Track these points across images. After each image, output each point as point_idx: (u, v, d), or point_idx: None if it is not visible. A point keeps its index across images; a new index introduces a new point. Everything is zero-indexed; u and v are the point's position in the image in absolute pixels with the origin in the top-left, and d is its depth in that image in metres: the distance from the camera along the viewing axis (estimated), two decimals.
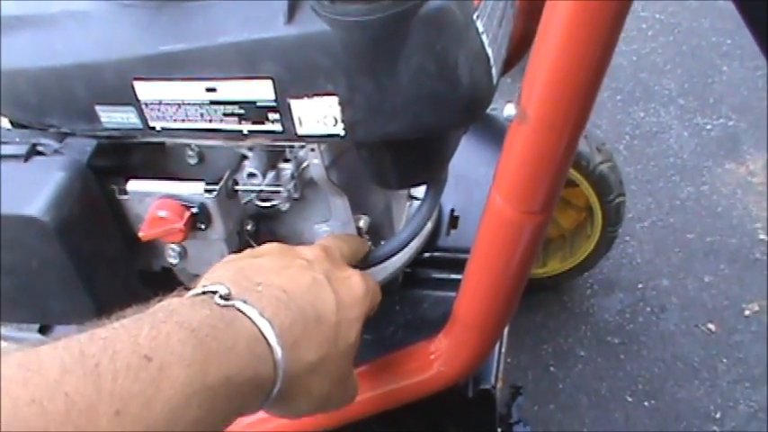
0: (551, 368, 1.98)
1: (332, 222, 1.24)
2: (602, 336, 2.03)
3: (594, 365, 1.97)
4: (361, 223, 1.26)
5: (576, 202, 1.89)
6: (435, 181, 1.19)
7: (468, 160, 1.43)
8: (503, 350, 1.44)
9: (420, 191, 1.35)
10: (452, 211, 1.48)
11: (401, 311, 1.34)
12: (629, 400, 1.90)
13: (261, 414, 1.29)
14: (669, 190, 2.34)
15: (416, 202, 1.39)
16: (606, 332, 2.03)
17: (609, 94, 2.66)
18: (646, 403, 1.89)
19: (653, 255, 2.18)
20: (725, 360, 1.95)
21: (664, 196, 2.32)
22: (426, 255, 1.41)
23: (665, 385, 1.92)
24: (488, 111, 1.62)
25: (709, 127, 2.50)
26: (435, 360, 1.12)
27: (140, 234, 1.10)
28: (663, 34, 2.85)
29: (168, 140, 1.14)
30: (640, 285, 2.12)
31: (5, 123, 1.20)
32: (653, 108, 2.60)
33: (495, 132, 1.61)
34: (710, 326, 2.02)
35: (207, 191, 1.09)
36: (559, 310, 2.10)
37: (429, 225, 1.40)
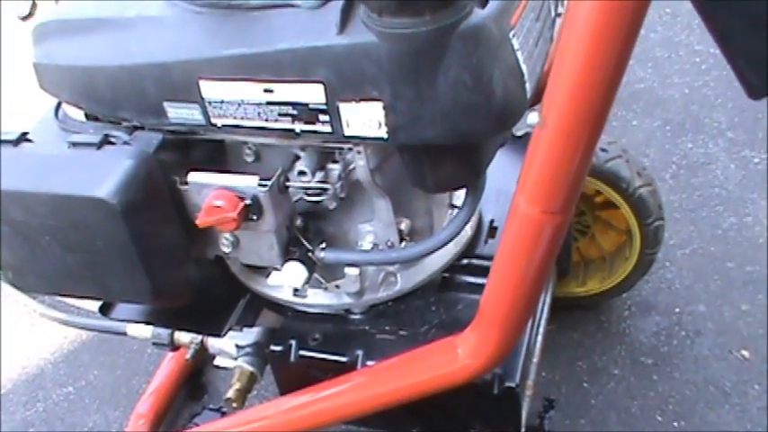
0: (585, 384, 2.02)
1: (375, 222, 1.33)
2: (637, 356, 2.06)
3: (627, 384, 2.01)
4: (403, 226, 1.35)
5: (616, 225, 1.95)
6: (473, 188, 1.27)
7: (508, 175, 1.50)
8: (535, 359, 1.50)
9: (461, 200, 1.42)
10: (491, 221, 1.54)
11: (436, 312, 1.41)
12: (659, 419, 1.93)
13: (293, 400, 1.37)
14: (712, 219, 2.36)
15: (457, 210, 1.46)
16: (641, 353, 2.07)
17: (659, 124, 2.70)
18: (675, 423, 1.92)
19: (692, 281, 2.21)
20: (756, 386, 1.96)
21: (706, 225, 2.35)
22: (464, 261, 1.48)
23: (695, 407, 1.94)
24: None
25: (756, 161, 2.52)
26: (462, 353, 1.19)
27: (197, 221, 1.19)
28: (716, 68, 2.87)
29: (228, 137, 1.24)
30: (677, 310, 2.15)
31: (80, 116, 1.30)
32: (701, 140, 2.63)
33: None
34: (744, 352, 2.03)
35: (260, 184, 1.18)
36: (596, 329, 2.14)
37: (468, 232, 1.47)
